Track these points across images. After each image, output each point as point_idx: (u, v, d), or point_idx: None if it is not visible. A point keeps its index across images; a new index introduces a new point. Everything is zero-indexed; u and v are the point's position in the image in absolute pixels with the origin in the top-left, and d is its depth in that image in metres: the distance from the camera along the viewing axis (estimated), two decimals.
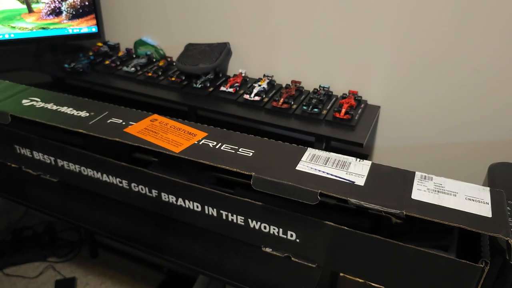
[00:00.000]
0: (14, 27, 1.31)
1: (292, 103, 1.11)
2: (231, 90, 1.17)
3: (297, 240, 0.53)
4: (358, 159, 0.54)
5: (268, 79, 1.21)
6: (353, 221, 0.51)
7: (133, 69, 1.28)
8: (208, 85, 1.20)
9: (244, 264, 0.54)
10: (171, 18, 1.37)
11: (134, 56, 1.39)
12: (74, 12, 1.36)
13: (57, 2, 1.33)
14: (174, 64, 1.29)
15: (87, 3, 1.38)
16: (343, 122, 1.05)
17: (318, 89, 1.18)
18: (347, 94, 1.16)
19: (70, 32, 1.39)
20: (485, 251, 0.44)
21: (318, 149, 0.56)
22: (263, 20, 1.24)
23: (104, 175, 0.63)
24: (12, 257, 1.42)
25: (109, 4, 1.45)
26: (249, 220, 0.54)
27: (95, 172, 0.63)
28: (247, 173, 0.51)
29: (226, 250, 0.56)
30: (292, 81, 1.22)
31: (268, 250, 0.56)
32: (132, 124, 0.61)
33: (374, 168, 0.52)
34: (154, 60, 1.37)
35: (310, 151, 0.56)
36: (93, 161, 0.62)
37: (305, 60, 1.22)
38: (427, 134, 1.15)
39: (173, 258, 0.56)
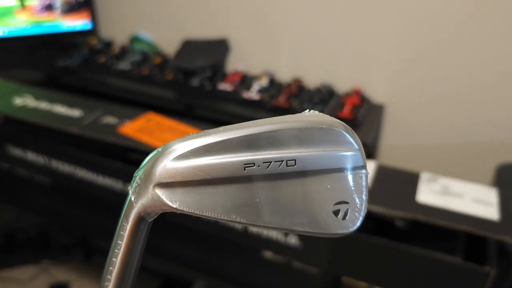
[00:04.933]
0: (6, 24, 1.28)
1: (293, 101, 1.09)
2: (229, 88, 1.15)
3: (298, 244, 0.51)
4: None
5: (268, 76, 1.20)
6: None
7: (128, 66, 1.26)
8: (206, 82, 1.18)
9: (244, 269, 0.53)
10: (168, 14, 1.35)
11: (130, 53, 1.36)
12: (68, 8, 1.34)
13: None
14: (172, 61, 1.27)
15: None
16: (346, 121, 1.02)
17: (320, 87, 1.16)
18: (350, 92, 1.14)
19: (64, 28, 1.36)
20: (492, 254, 0.43)
21: None
22: (262, 15, 1.22)
23: (100, 176, 0.61)
24: (5, 260, 1.40)
25: (104, 0, 1.42)
26: None
27: (89, 172, 0.61)
28: None
29: (225, 254, 0.55)
30: (293, 79, 1.20)
31: (268, 254, 0.54)
32: (127, 123, 0.59)
33: (379, 169, 0.51)
34: (150, 57, 1.34)
35: None
36: (87, 161, 0.61)
37: (307, 56, 1.21)
38: (433, 133, 1.13)
39: (170, 262, 0.54)
